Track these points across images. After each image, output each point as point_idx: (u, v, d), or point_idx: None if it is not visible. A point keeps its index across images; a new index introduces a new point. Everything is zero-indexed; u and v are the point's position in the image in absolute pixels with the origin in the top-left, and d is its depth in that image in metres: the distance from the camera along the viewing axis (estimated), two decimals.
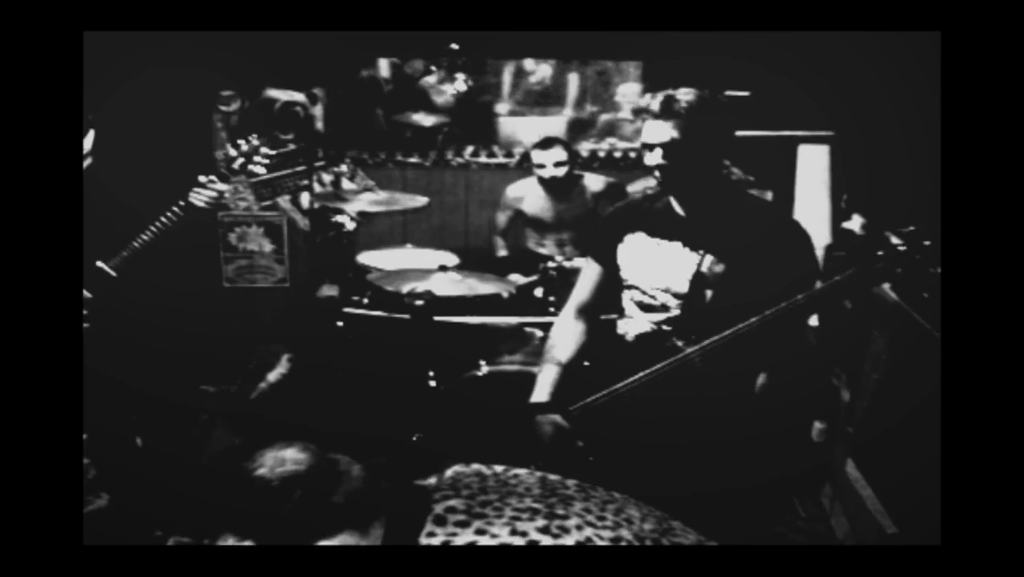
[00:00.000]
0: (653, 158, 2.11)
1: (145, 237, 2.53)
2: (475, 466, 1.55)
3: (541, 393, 2.30)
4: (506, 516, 1.37)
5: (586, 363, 2.42)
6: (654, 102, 2.08)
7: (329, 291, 4.42)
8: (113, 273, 2.51)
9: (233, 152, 2.63)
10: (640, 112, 2.11)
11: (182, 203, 2.56)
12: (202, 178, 2.58)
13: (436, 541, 1.33)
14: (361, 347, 3.63)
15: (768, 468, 2.07)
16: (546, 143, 4.37)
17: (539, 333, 3.38)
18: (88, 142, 2.55)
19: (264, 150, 2.66)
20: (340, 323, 3.66)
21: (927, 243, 1.87)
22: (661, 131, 2.07)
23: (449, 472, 1.54)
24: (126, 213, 2.49)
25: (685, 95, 2.07)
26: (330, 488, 1.32)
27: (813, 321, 3.52)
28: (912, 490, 2.61)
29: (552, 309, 3.67)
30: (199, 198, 2.56)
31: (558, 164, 4.31)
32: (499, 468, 1.55)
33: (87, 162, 2.54)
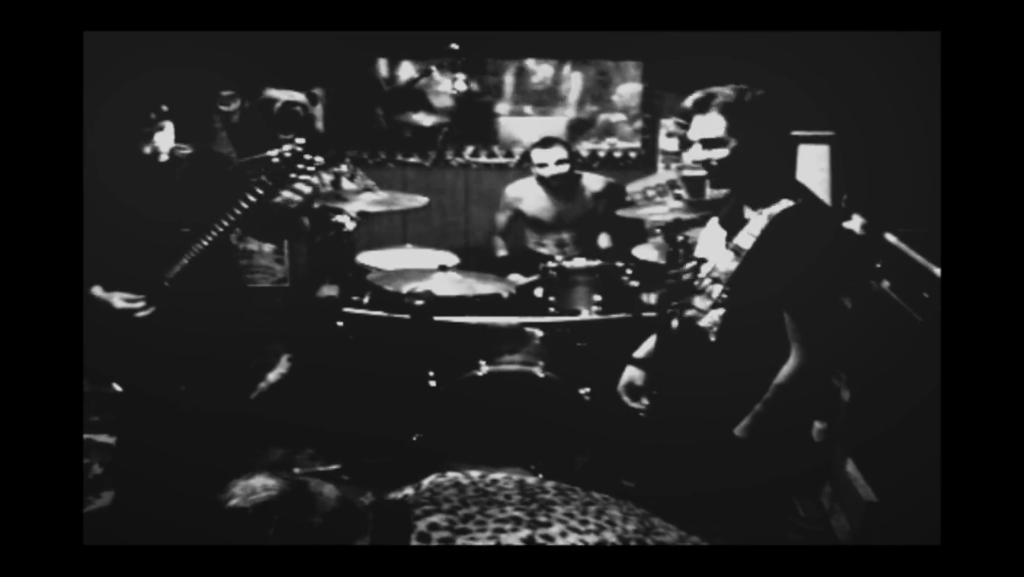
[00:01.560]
0: (695, 154, 2.11)
1: (206, 241, 2.54)
2: (451, 474, 1.54)
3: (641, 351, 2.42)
4: (489, 529, 1.37)
5: None
6: (697, 98, 2.08)
7: (329, 291, 4.42)
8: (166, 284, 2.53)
9: (328, 177, 2.51)
10: (687, 111, 2.11)
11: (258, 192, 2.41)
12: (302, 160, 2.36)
13: None
14: (361, 347, 3.63)
15: (768, 468, 2.06)
16: (546, 142, 4.38)
17: (539, 333, 3.37)
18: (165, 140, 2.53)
19: (359, 177, 2.55)
20: (340, 323, 3.66)
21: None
22: (704, 127, 2.07)
23: (426, 482, 1.53)
24: (126, 213, 2.49)
25: (727, 91, 2.05)
26: (306, 511, 1.31)
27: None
28: (912, 490, 2.60)
29: (552, 309, 3.67)
30: (297, 189, 2.42)
31: (560, 161, 4.31)
32: (476, 474, 1.54)
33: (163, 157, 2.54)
